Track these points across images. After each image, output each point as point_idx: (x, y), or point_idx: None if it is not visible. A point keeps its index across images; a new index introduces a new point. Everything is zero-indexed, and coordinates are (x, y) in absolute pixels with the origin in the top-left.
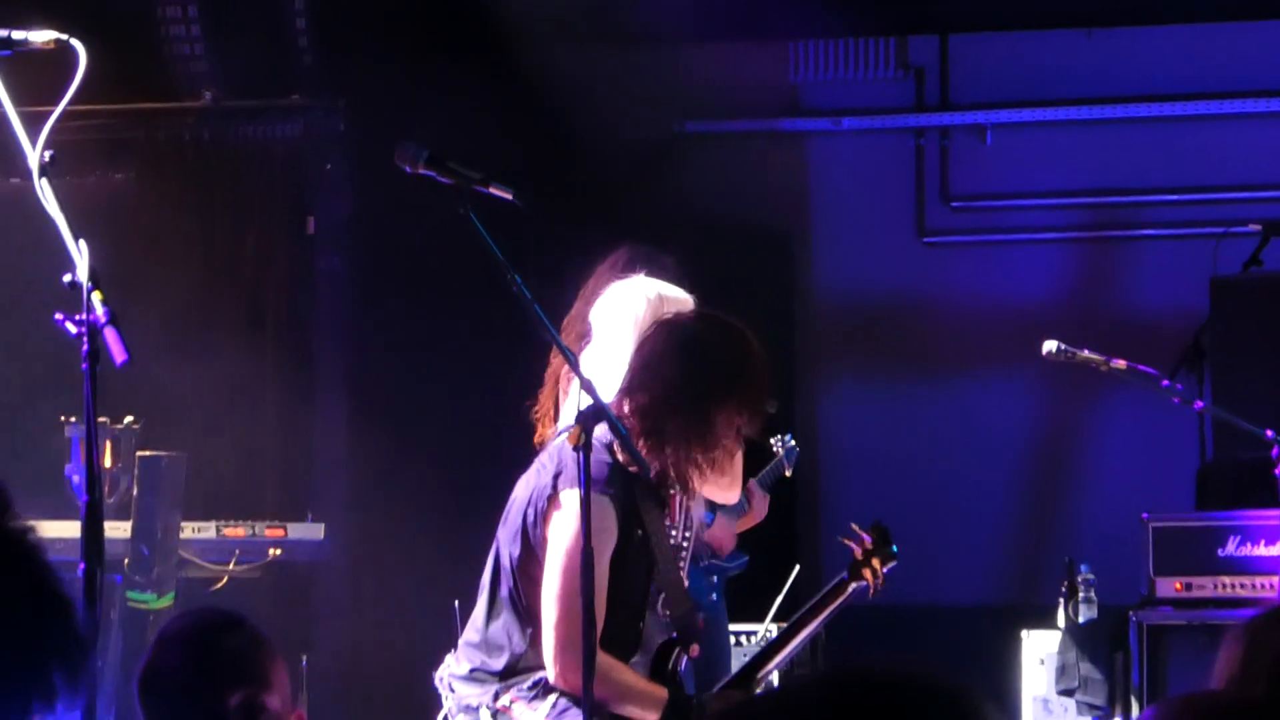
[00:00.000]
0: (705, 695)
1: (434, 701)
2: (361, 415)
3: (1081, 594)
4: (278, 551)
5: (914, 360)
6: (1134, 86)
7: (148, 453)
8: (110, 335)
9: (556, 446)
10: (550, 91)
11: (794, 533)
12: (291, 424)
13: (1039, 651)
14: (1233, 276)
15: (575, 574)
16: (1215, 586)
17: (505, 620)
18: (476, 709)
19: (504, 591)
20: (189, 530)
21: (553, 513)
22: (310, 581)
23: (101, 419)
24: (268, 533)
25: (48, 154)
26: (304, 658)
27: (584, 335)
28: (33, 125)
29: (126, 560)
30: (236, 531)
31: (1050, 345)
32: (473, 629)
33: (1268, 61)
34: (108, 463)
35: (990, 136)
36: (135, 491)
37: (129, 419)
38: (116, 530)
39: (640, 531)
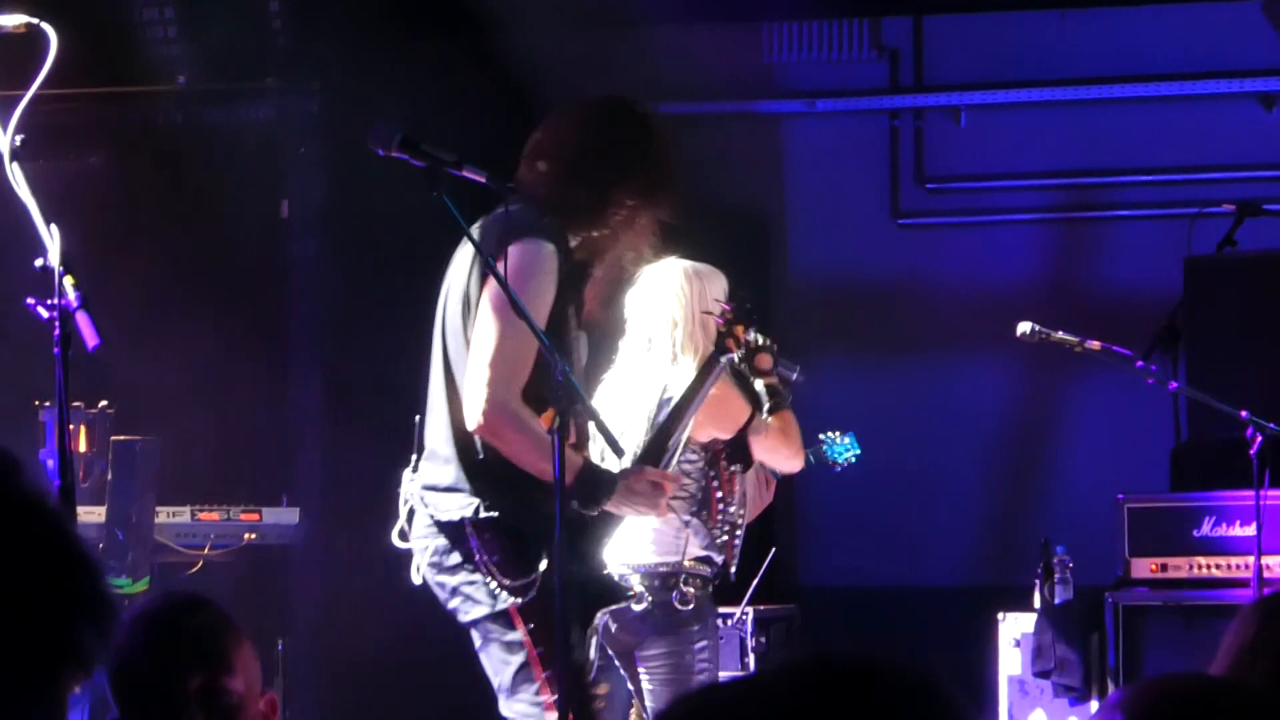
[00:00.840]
0: (623, 470)
1: (412, 685)
2: (336, 399)
3: (1057, 575)
4: (253, 535)
5: (889, 342)
6: (1108, 67)
7: (122, 437)
8: (82, 320)
9: None
10: (525, 74)
11: (769, 514)
12: (266, 408)
13: (1015, 633)
14: (1207, 257)
15: (510, 317)
16: (1190, 567)
17: None
18: (460, 523)
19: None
20: (164, 515)
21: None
22: (285, 565)
23: (75, 403)
24: (243, 517)
25: (19, 138)
26: (279, 641)
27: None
28: (3, 109)
29: (101, 545)
30: (211, 516)
31: (1025, 326)
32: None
33: (1242, 42)
34: (82, 447)
35: (964, 118)
36: (109, 476)
37: (103, 403)
38: (91, 515)
39: (568, 309)
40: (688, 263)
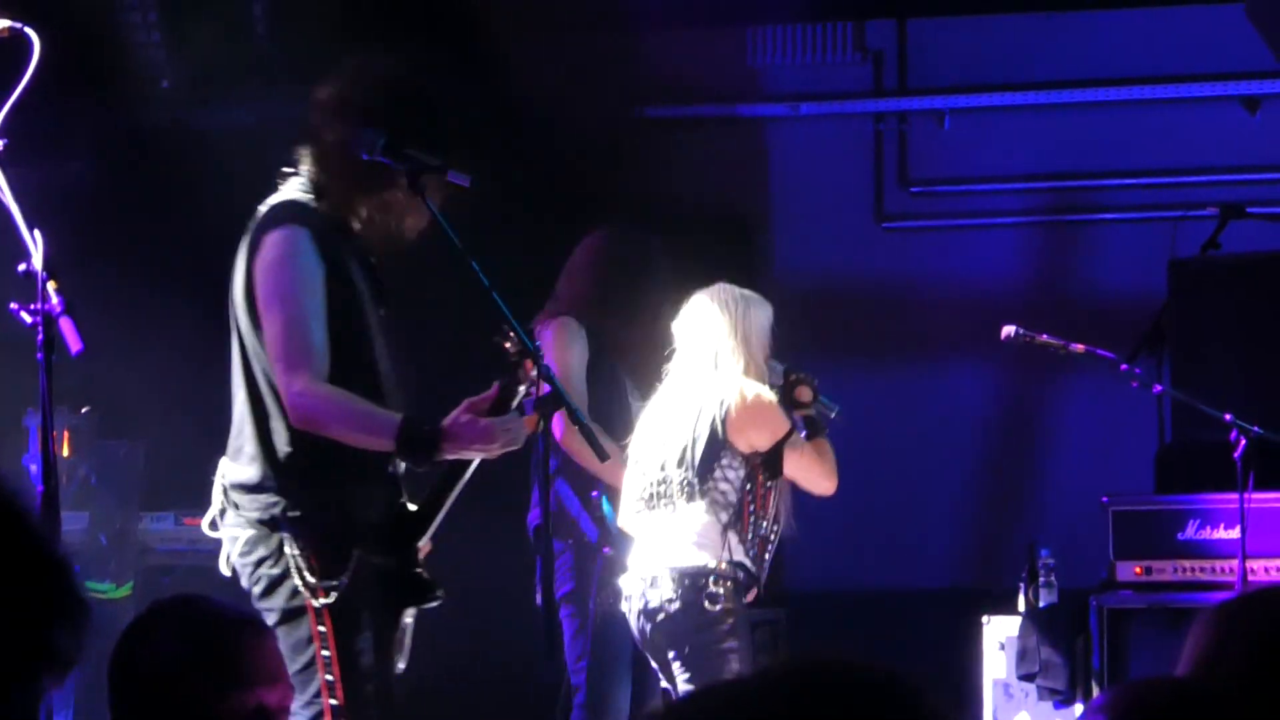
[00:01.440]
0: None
1: (401, 682)
2: None
3: (1042, 578)
4: None
5: (873, 345)
6: (1092, 70)
7: (105, 442)
8: (65, 325)
9: None
10: (510, 78)
11: None
12: None
13: (999, 636)
14: (1191, 259)
15: (286, 304)
16: (1175, 570)
17: None
18: (269, 521)
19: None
20: (147, 519)
21: (256, 260)
22: None
23: (59, 407)
24: None
25: (1, 143)
26: None
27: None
28: None
29: (84, 550)
30: (195, 520)
31: (1009, 329)
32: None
33: (1226, 45)
34: (65, 452)
35: (949, 121)
36: (93, 481)
37: (86, 408)
38: (74, 520)
39: (349, 288)
40: (734, 287)
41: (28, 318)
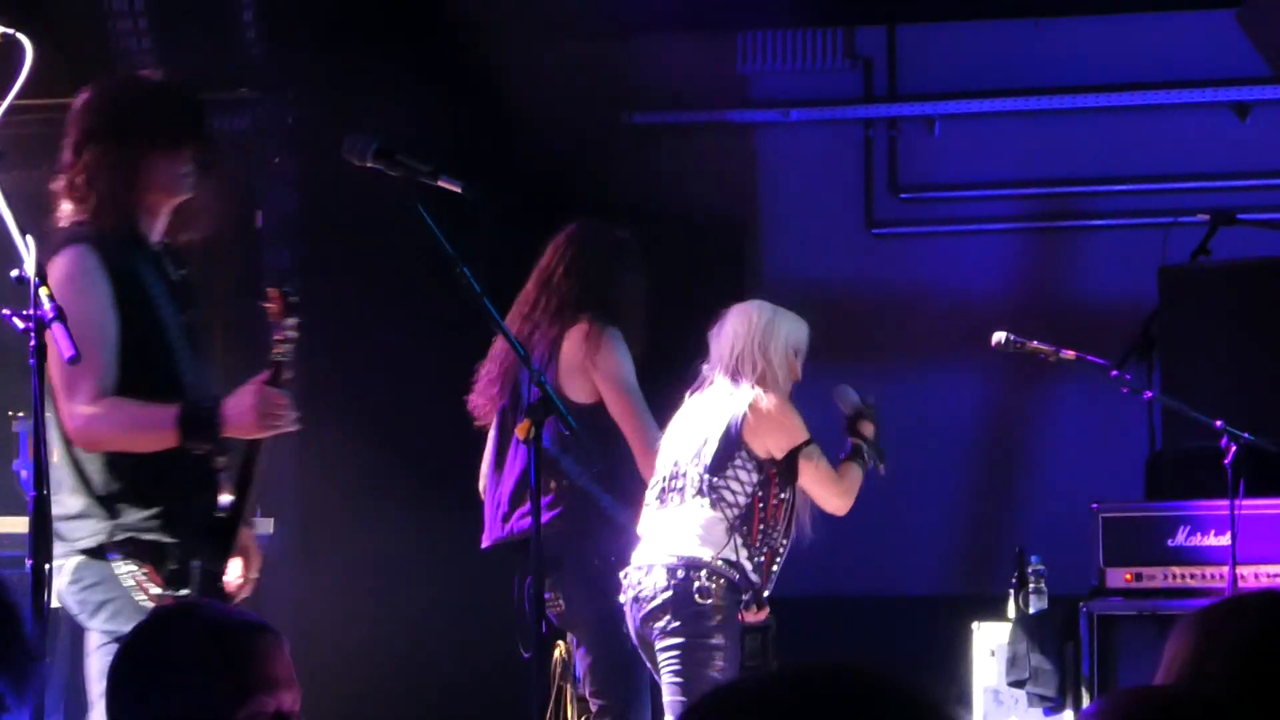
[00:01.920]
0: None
1: (389, 696)
2: (310, 409)
3: (1032, 585)
4: None
5: (863, 351)
6: (1082, 77)
7: None
8: (58, 331)
9: None
10: (499, 84)
11: None
12: None
13: (989, 643)
14: (1181, 266)
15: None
16: (1165, 577)
17: None
18: (98, 549)
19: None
20: None
21: None
22: (261, 577)
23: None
24: None
25: None
26: None
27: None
28: None
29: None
30: None
31: (999, 336)
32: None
33: (1215, 51)
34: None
35: (938, 127)
36: None
37: None
38: None
39: (141, 297)
40: (768, 304)
41: (20, 323)
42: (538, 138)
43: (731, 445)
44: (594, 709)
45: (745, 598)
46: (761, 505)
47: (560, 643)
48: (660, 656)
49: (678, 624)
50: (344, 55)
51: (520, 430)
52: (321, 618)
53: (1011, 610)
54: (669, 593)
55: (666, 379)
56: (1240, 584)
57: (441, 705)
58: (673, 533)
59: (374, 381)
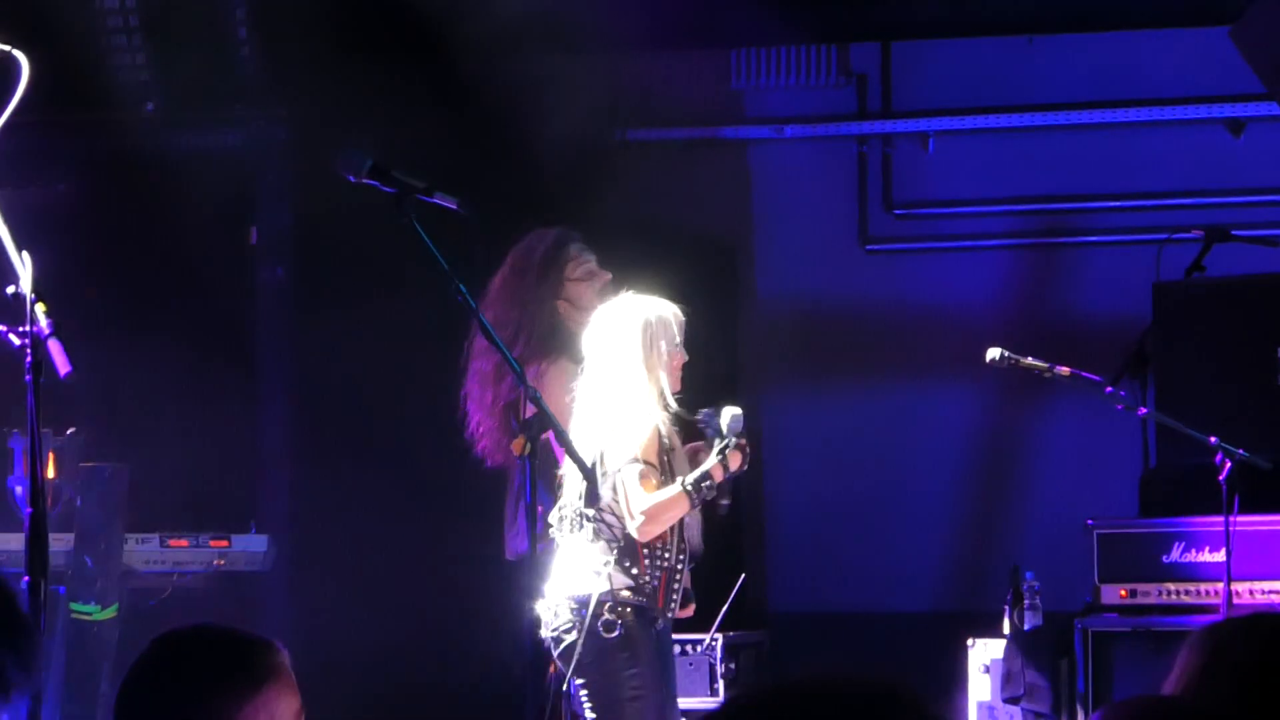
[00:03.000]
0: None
1: (383, 710)
2: (305, 425)
3: (1026, 601)
4: (221, 562)
5: (858, 367)
6: (1076, 93)
7: (90, 464)
8: (54, 347)
9: None
10: (493, 101)
11: (738, 541)
12: (235, 435)
13: (984, 659)
14: (1175, 282)
15: None
16: (1160, 593)
17: None
18: None
19: None
20: (132, 541)
21: None
22: (254, 592)
23: (44, 430)
24: (212, 544)
25: None
26: None
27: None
28: None
29: (70, 571)
30: (180, 542)
31: (994, 352)
32: None
33: (1209, 68)
34: (51, 474)
35: (933, 144)
36: (78, 502)
37: (71, 430)
38: (59, 541)
39: None
40: (636, 299)
41: (16, 340)
42: (531, 154)
43: (601, 477)
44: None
45: (659, 625)
46: None
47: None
48: (580, 693)
49: (590, 661)
50: (338, 71)
51: (515, 446)
52: (317, 629)
53: (1006, 626)
54: (574, 632)
55: None
56: (1235, 600)
57: (438, 714)
58: (569, 568)
59: (367, 395)
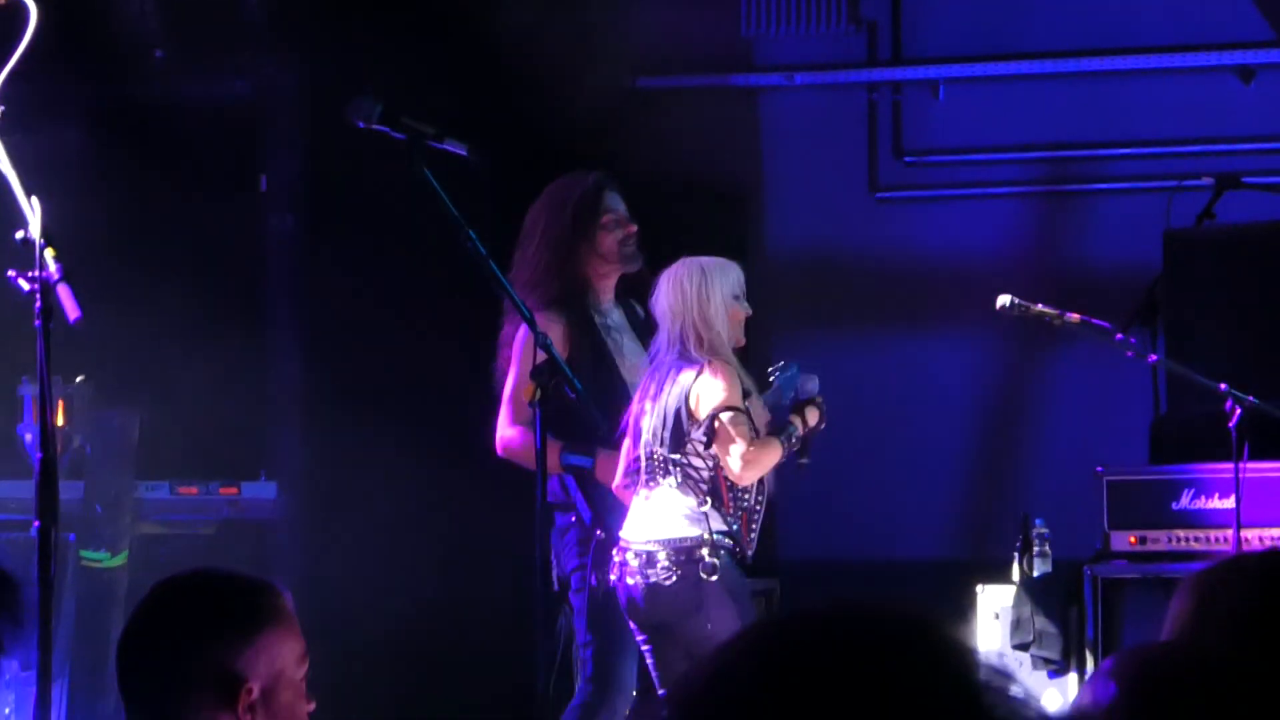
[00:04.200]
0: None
1: (391, 658)
2: (315, 373)
3: (1036, 548)
4: (231, 509)
5: (868, 316)
6: (1086, 40)
7: (100, 411)
8: (63, 292)
9: None
10: (504, 48)
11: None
12: (245, 382)
13: (994, 606)
14: (1186, 230)
15: None
16: (1170, 540)
17: None
18: None
19: None
20: (142, 488)
21: None
22: (264, 540)
23: (53, 377)
24: (221, 491)
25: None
26: None
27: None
28: None
29: (80, 519)
30: (190, 490)
31: (1004, 300)
32: None
33: (1220, 15)
34: (60, 421)
35: (943, 91)
36: (88, 450)
37: (80, 377)
38: (70, 489)
39: None
40: (695, 261)
41: (25, 285)
42: (542, 102)
43: (685, 424)
44: (583, 655)
45: (742, 560)
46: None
47: (565, 607)
48: (678, 639)
49: (692, 607)
50: (348, 19)
51: (526, 392)
52: (327, 576)
53: (1016, 574)
54: (675, 578)
55: None
56: (1244, 547)
57: (448, 664)
58: (660, 516)
59: (378, 342)
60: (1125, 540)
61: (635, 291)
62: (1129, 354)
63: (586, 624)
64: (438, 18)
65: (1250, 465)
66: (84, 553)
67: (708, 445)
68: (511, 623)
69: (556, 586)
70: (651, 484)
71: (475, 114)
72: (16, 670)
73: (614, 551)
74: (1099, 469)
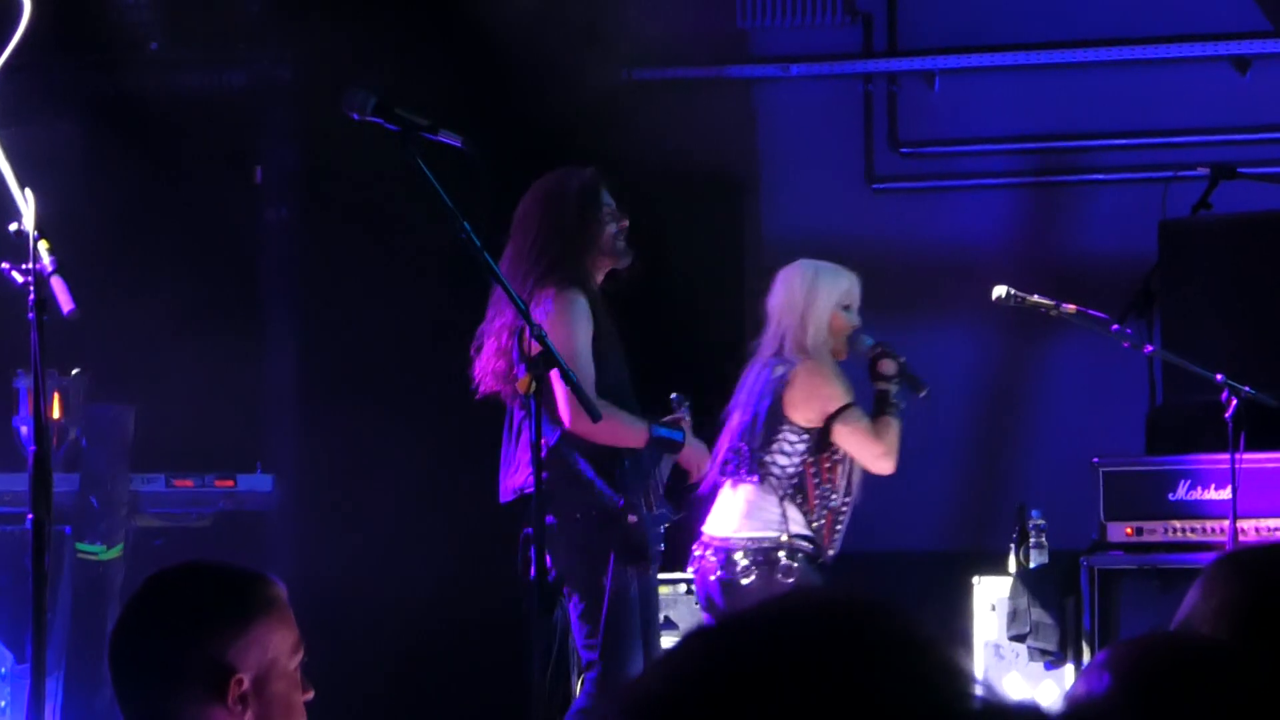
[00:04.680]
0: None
1: (385, 650)
2: (310, 365)
3: (1032, 539)
4: (227, 501)
5: (864, 306)
6: (1082, 31)
7: (96, 404)
8: (57, 284)
9: None
10: (499, 40)
11: None
12: (240, 375)
13: (990, 597)
14: (1182, 220)
15: None
16: (1166, 531)
17: None
18: None
19: None
20: (138, 481)
21: None
22: (260, 532)
23: (48, 370)
24: (217, 484)
25: None
26: None
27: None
28: None
29: (76, 511)
30: (185, 482)
31: (1000, 290)
32: None
33: (1216, 5)
34: (56, 414)
35: (938, 82)
36: (83, 443)
37: (76, 370)
38: (65, 481)
39: None
40: (811, 263)
41: (19, 277)
42: (536, 94)
43: (776, 421)
44: (584, 658)
45: (822, 562)
46: (814, 470)
47: (560, 600)
48: None
49: None
50: (342, 11)
51: (521, 385)
52: (323, 568)
53: (1012, 565)
54: (752, 577)
55: (665, 336)
56: (1241, 538)
57: (443, 657)
58: (741, 514)
59: (373, 334)
60: (1121, 531)
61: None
62: (1125, 344)
63: (598, 622)
64: (433, 9)
65: (1247, 456)
66: (79, 545)
67: (814, 447)
68: (507, 615)
69: (552, 578)
70: (736, 480)
71: (470, 106)
72: (12, 663)
73: (694, 546)
74: (1095, 460)
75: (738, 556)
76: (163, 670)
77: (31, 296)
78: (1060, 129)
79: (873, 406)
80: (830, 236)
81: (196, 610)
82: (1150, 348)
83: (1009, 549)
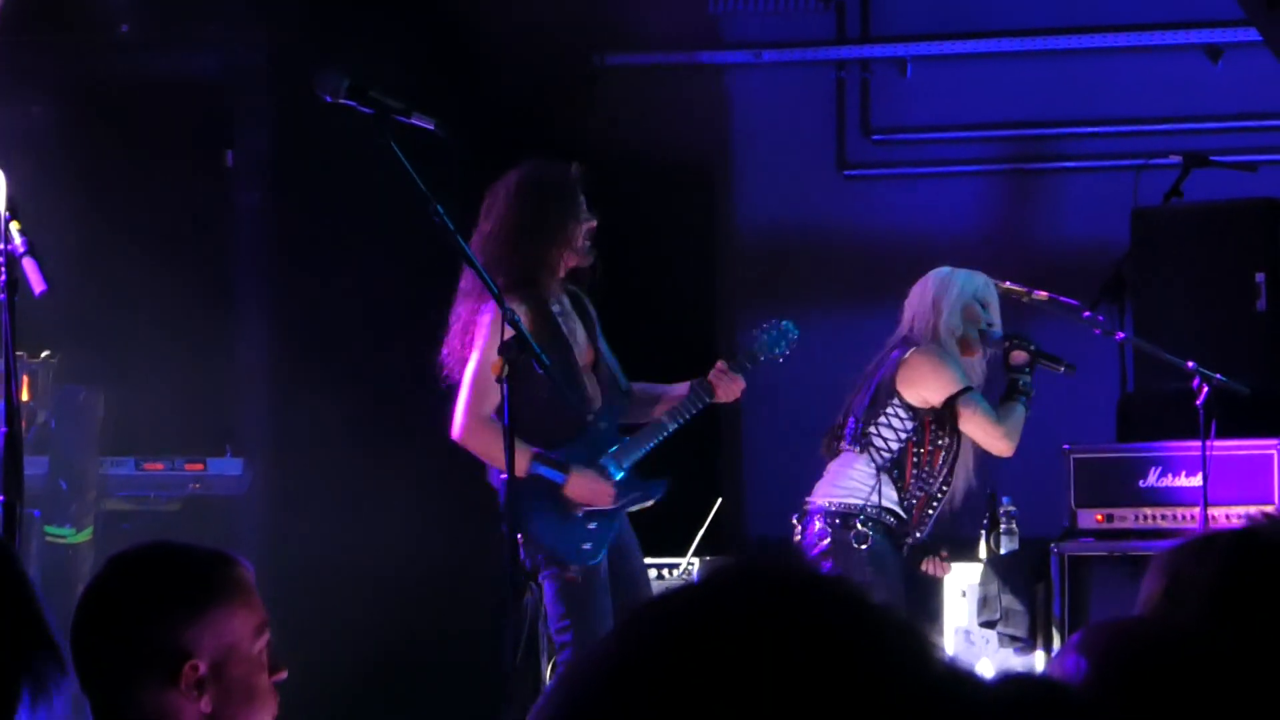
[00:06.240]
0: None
1: (356, 635)
2: (282, 349)
3: (1003, 526)
4: (197, 486)
5: (835, 293)
6: (1054, 19)
7: (65, 386)
8: (29, 265)
9: None
10: (471, 25)
11: (715, 465)
12: (211, 358)
13: (961, 584)
14: (1153, 208)
15: None
16: (1136, 518)
17: None
18: None
19: None
20: (107, 464)
21: None
22: (230, 516)
23: (18, 352)
24: (187, 467)
25: None
26: None
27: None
28: None
29: (44, 495)
30: (155, 466)
31: None
32: None
33: None
34: (25, 396)
35: (911, 69)
36: (52, 425)
37: (45, 353)
38: (34, 464)
39: None
40: (949, 268)
41: None
42: (508, 79)
43: (885, 394)
44: (556, 642)
45: (908, 541)
46: (916, 451)
47: (532, 584)
48: None
49: (839, 571)
50: None
51: (494, 368)
52: (293, 554)
53: (983, 551)
54: (828, 541)
55: (637, 322)
56: (1211, 525)
57: (415, 639)
58: (830, 480)
59: (345, 318)
60: (1092, 518)
61: (576, 280)
62: (1096, 331)
63: (569, 606)
64: None
65: (1217, 443)
66: (48, 529)
67: (920, 427)
68: (479, 599)
69: (527, 564)
70: (838, 449)
71: (442, 89)
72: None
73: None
74: (1066, 446)
75: (817, 521)
76: (119, 654)
77: (2, 277)
78: (1032, 116)
79: (1003, 391)
80: (802, 223)
81: (152, 593)
82: (1121, 335)
83: (979, 535)
